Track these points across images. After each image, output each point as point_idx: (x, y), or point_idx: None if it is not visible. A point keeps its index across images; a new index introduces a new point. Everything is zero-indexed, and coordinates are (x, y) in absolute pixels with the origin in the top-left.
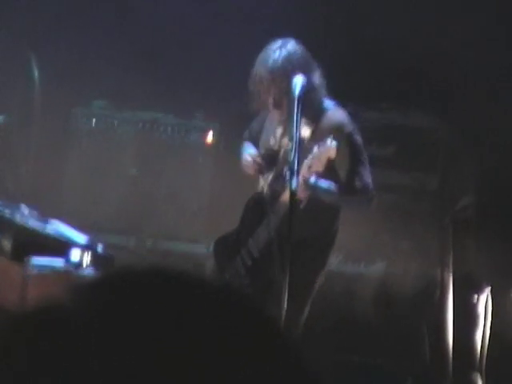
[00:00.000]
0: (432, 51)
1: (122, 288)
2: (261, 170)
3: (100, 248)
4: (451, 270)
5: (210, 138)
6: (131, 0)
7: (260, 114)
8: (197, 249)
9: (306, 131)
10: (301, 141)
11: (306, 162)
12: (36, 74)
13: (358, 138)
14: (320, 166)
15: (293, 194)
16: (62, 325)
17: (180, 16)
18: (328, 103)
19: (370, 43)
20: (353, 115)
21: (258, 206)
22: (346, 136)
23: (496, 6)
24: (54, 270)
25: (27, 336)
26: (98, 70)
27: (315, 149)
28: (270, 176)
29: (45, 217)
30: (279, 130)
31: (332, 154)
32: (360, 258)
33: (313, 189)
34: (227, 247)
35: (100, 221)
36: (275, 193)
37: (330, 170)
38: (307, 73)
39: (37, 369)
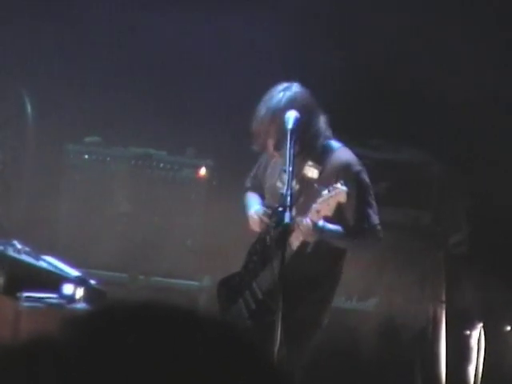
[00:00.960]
0: (423, 87)
1: (115, 321)
2: (267, 227)
3: (93, 283)
4: (444, 306)
5: (202, 174)
6: (124, 38)
7: (260, 160)
8: (190, 285)
9: (313, 173)
10: (309, 183)
11: (315, 207)
12: (29, 109)
13: (366, 178)
14: (329, 211)
15: (285, 228)
16: (55, 356)
17: (173, 53)
18: (334, 144)
19: (361, 80)
20: None
21: (263, 249)
22: (353, 176)
23: (486, 41)
24: (46, 305)
25: (21, 367)
26: (90, 107)
27: (324, 192)
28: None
29: (37, 252)
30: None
31: (342, 198)
32: (353, 294)
33: (321, 232)
34: (230, 289)
35: (92, 257)
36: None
37: (336, 211)
38: (310, 116)
39: None
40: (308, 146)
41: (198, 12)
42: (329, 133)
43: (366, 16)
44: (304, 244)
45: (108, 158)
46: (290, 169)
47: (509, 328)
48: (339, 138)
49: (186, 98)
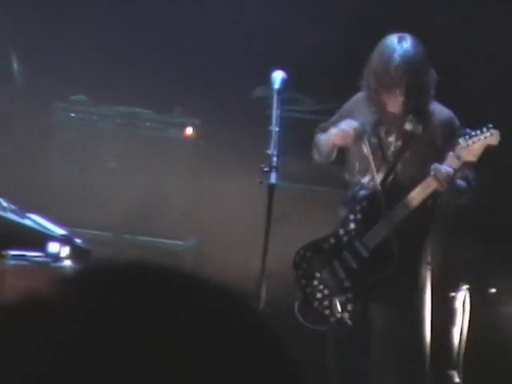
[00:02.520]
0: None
1: (104, 280)
2: (360, 136)
3: (78, 241)
4: (430, 268)
5: (189, 133)
6: None
7: (339, 113)
8: (175, 244)
9: (416, 128)
10: (413, 137)
11: (455, 153)
12: (16, 68)
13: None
14: (474, 156)
15: (271, 188)
16: (46, 315)
17: (161, 13)
18: (434, 103)
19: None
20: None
21: (369, 207)
22: (456, 129)
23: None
24: (31, 263)
25: (10, 328)
26: (77, 65)
27: (463, 139)
28: (381, 175)
29: (23, 210)
30: (382, 129)
31: (495, 141)
32: None
33: (454, 182)
34: (322, 252)
35: (78, 215)
36: (393, 191)
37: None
38: (426, 68)
39: (20, 360)
40: (418, 96)
41: None
42: (433, 91)
43: None
44: (432, 195)
45: (94, 117)
46: (277, 129)
47: (494, 290)
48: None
49: (173, 57)
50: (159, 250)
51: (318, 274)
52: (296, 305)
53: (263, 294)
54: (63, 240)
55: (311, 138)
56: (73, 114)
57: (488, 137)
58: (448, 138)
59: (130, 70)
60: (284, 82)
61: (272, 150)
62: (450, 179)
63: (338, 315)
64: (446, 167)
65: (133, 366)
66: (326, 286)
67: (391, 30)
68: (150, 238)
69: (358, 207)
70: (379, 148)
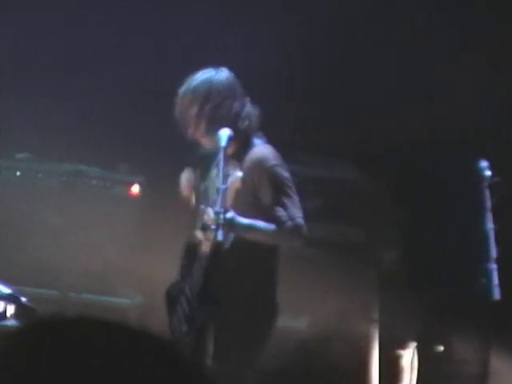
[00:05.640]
0: (354, 101)
1: (49, 334)
2: (193, 188)
3: (24, 300)
4: (377, 325)
5: (135, 190)
6: (49, 51)
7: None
8: (121, 302)
9: (232, 169)
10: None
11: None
12: None
13: (282, 171)
14: (229, 200)
15: (218, 246)
16: None
17: (104, 67)
18: (256, 140)
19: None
20: None
21: (192, 253)
22: (266, 170)
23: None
24: None
25: None
26: (21, 123)
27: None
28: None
29: None
30: (214, 171)
31: (238, 185)
32: (284, 311)
33: (230, 225)
34: (172, 298)
35: (24, 274)
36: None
37: (255, 206)
38: (225, 100)
39: None
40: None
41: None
42: (253, 125)
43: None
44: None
45: (40, 175)
46: (224, 187)
47: (442, 348)
48: None
49: (118, 113)
50: (104, 307)
51: (171, 319)
52: None
53: (210, 349)
54: (8, 299)
55: None
56: (18, 172)
57: (235, 180)
58: (258, 179)
59: (75, 126)
60: (230, 140)
61: (219, 208)
62: (225, 220)
63: None
64: (210, 209)
65: None
66: (173, 331)
67: None
68: (95, 296)
69: (184, 254)
70: (208, 192)
